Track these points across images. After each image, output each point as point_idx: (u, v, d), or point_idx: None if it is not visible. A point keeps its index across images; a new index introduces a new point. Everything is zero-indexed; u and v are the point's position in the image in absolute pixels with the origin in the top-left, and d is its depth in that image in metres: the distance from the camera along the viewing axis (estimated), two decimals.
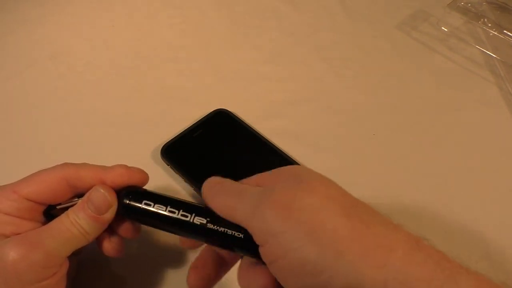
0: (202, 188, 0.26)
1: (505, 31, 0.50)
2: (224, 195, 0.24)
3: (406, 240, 0.20)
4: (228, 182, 0.25)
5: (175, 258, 0.35)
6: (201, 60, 0.51)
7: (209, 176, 0.38)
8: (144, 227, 0.28)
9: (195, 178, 0.38)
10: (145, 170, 0.40)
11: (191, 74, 0.49)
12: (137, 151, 0.41)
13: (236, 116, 0.43)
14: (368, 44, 0.53)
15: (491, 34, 0.52)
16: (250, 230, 0.22)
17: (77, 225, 0.25)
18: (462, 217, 0.37)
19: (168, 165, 0.39)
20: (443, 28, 0.54)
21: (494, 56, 0.51)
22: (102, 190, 0.25)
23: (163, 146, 0.40)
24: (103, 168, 0.27)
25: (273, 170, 0.25)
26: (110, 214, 0.26)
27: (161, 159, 0.40)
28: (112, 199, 0.26)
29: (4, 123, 0.44)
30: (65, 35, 0.53)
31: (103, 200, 0.25)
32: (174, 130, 0.42)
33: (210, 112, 0.44)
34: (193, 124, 0.42)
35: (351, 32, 0.55)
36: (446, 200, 0.38)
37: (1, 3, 0.56)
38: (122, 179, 0.26)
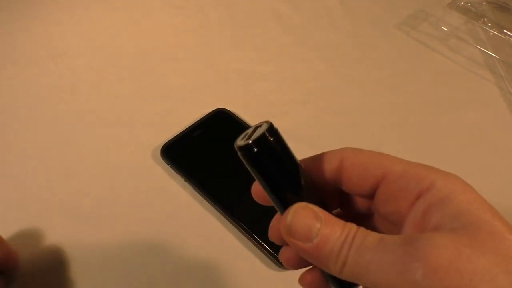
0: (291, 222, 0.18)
1: (505, 30, 0.50)
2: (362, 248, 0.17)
3: None
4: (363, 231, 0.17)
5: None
6: (201, 60, 0.51)
7: (209, 176, 0.38)
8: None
9: (195, 178, 0.38)
10: (145, 170, 0.40)
11: (191, 74, 0.49)
12: (137, 151, 0.41)
13: (236, 116, 0.43)
14: (368, 44, 0.53)
15: (491, 33, 0.52)
16: None
17: None
18: None
19: (168, 165, 0.39)
20: (443, 28, 0.54)
21: (494, 55, 0.51)
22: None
23: (163, 146, 0.40)
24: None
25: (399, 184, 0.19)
26: None
27: (161, 159, 0.40)
28: None
29: (4, 122, 0.44)
30: (65, 35, 0.53)
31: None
32: (174, 130, 0.42)
33: (210, 112, 0.44)
34: (193, 124, 0.42)
35: (351, 32, 0.55)
36: None
37: (1, 3, 0.56)
38: None
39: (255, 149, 0.18)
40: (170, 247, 0.35)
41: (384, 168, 0.19)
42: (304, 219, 0.18)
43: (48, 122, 0.44)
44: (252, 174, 0.19)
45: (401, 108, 0.46)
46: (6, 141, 0.42)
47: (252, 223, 0.35)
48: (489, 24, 0.52)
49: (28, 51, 0.51)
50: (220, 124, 0.43)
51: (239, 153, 0.19)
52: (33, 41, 0.52)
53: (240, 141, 0.19)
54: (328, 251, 0.17)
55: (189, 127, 0.42)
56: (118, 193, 0.38)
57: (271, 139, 0.19)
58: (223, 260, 0.35)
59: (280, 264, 0.34)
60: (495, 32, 0.50)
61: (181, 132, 0.42)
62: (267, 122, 0.19)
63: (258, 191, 0.22)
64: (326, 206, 0.19)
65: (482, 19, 0.52)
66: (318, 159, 0.21)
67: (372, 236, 0.17)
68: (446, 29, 0.54)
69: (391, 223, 0.20)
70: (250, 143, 0.18)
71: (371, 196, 0.20)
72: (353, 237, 0.17)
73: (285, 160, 0.19)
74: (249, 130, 0.19)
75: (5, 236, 0.33)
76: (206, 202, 0.38)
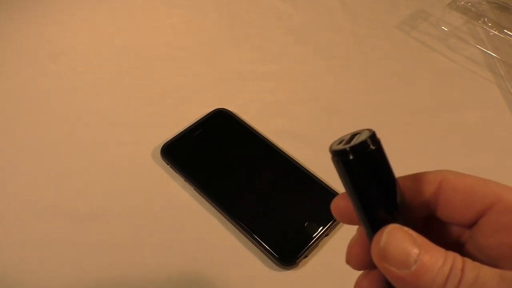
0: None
1: (505, 30, 0.50)
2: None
3: None
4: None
5: None
6: (201, 59, 0.51)
7: (209, 176, 0.38)
8: None
9: (195, 178, 0.38)
10: (145, 170, 0.40)
11: (191, 73, 0.49)
12: (137, 151, 0.41)
13: (236, 116, 0.43)
14: (368, 44, 0.53)
15: (491, 33, 0.52)
16: None
17: None
18: None
19: (168, 165, 0.39)
20: (443, 27, 0.54)
21: (494, 55, 0.51)
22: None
23: (163, 146, 0.40)
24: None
25: None
26: None
27: (161, 159, 0.40)
28: None
29: (4, 122, 0.44)
30: (65, 35, 0.53)
31: None
32: (174, 129, 0.42)
33: (210, 112, 0.44)
34: (193, 124, 0.42)
35: (351, 32, 0.55)
36: None
37: (1, 3, 0.56)
38: None
39: (351, 157, 0.16)
40: (170, 247, 0.35)
41: (493, 195, 0.17)
42: (400, 242, 0.16)
43: (48, 122, 0.44)
44: (343, 183, 0.17)
45: (401, 108, 0.46)
46: (6, 141, 0.42)
47: (252, 223, 0.35)
48: (489, 24, 0.51)
49: (28, 51, 0.51)
50: (220, 124, 0.43)
51: (332, 159, 0.17)
52: (33, 41, 0.52)
53: (336, 146, 0.17)
54: (429, 281, 0.15)
55: (189, 127, 0.42)
56: (118, 193, 0.38)
57: (373, 147, 0.17)
58: (223, 260, 0.35)
59: (280, 264, 0.34)
60: (495, 32, 0.50)
61: (181, 132, 0.42)
62: (369, 130, 0.17)
63: (340, 207, 0.20)
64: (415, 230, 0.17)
65: (482, 19, 0.52)
66: (414, 178, 0.19)
67: (488, 272, 0.15)
68: (446, 29, 0.54)
69: (486, 256, 0.18)
70: (347, 149, 0.16)
71: (470, 225, 0.18)
72: (462, 270, 0.15)
73: (383, 174, 0.17)
74: (346, 136, 0.18)
75: (5, 235, 0.33)
76: (206, 202, 0.37)
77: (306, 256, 0.34)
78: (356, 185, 0.17)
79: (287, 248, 0.34)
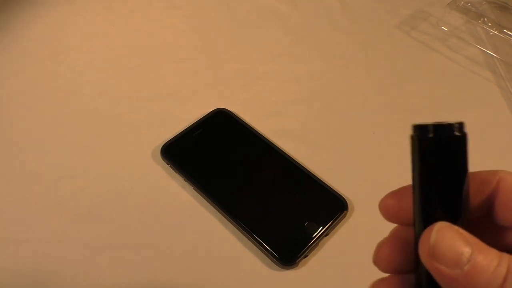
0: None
1: (505, 30, 0.50)
2: None
3: None
4: None
5: None
6: (201, 60, 0.51)
7: (209, 176, 0.38)
8: None
9: (195, 178, 0.38)
10: (145, 170, 0.40)
11: (191, 73, 0.49)
12: (137, 151, 0.41)
13: (236, 116, 0.43)
14: (368, 44, 0.53)
15: (491, 33, 0.52)
16: None
17: None
18: None
19: (168, 165, 0.39)
20: (443, 27, 0.54)
21: (494, 55, 0.51)
22: None
23: (163, 146, 0.40)
24: None
25: None
26: None
27: (161, 159, 0.40)
28: None
29: (4, 122, 0.44)
30: (65, 35, 0.53)
31: None
32: (174, 129, 0.42)
33: (210, 112, 0.44)
34: (193, 124, 0.42)
35: (351, 32, 0.55)
36: None
37: (1, 3, 0.56)
38: None
39: (431, 135, 0.15)
40: (170, 246, 0.35)
41: None
42: (451, 240, 0.15)
43: (48, 122, 0.44)
44: (413, 164, 0.16)
45: (401, 108, 0.46)
46: (6, 141, 0.42)
47: (252, 223, 0.35)
48: (489, 24, 0.51)
49: (28, 51, 0.51)
50: (220, 124, 0.43)
51: (412, 134, 0.16)
52: (34, 41, 0.52)
53: (419, 123, 0.16)
54: (484, 282, 0.14)
55: (189, 127, 0.42)
56: (118, 193, 0.38)
57: (457, 134, 0.16)
58: (223, 260, 0.35)
59: (280, 264, 0.34)
60: (495, 32, 0.50)
61: (181, 132, 0.42)
62: (459, 122, 0.16)
63: (388, 206, 0.19)
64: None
65: (482, 19, 0.52)
66: (471, 177, 0.18)
67: None
68: (446, 29, 0.54)
69: None
70: (430, 126, 0.15)
71: None
72: None
73: (458, 165, 0.16)
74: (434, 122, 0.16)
75: (5, 235, 0.33)
76: (206, 202, 0.38)
77: (306, 256, 0.34)
78: (426, 167, 0.16)
79: (287, 248, 0.34)
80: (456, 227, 0.15)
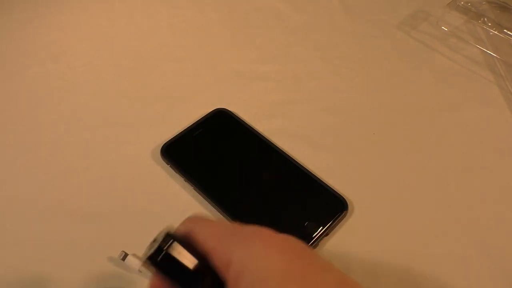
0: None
1: (505, 30, 0.50)
2: None
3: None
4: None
5: None
6: (201, 59, 0.51)
7: (209, 176, 0.38)
8: None
9: (195, 178, 0.38)
10: (145, 169, 0.40)
11: (191, 73, 0.49)
12: (137, 151, 0.41)
13: (236, 116, 0.43)
14: (368, 44, 0.53)
15: (491, 33, 0.52)
16: None
17: None
18: (462, 216, 0.37)
19: (168, 165, 0.39)
20: (443, 27, 0.54)
21: (494, 55, 0.51)
22: None
23: (163, 146, 0.40)
24: None
25: None
26: None
27: (161, 159, 0.40)
28: None
29: (4, 122, 0.44)
30: (65, 35, 0.53)
31: None
32: (174, 129, 0.42)
33: (210, 112, 0.44)
34: (193, 124, 0.42)
35: (351, 32, 0.55)
36: (446, 199, 0.38)
37: (1, 3, 0.56)
38: None
39: (152, 263, 0.20)
40: None
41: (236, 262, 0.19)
42: None
43: (48, 122, 0.44)
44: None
45: (401, 108, 0.46)
46: (5, 141, 0.42)
47: (252, 222, 0.35)
48: (489, 24, 0.51)
49: (28, 51, 0.51)
50: (220, 124, 0.43)
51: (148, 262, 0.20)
52: (34, 41, 0.52)
53: (147, 249, 0.20)
54: None
55: (189, 127, 0.42)
56: (118, 193, 0.38)
57: (159, 258, 0.19)
58: None
59: None
60: (495, 32, 0.50)
61: (181, 132, 0.42)
62: (164, 234, 0.21)
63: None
64: None
65: (482, 19, 0.52)
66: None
67: None
68: (446, 29, 0.54)
69: None
70: (146, 260, 0.20)
71: None
72: None
73: (183, 271, 0.19)
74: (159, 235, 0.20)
75: (5, 235, 0.33)
76: (206, 202, 0.38)
77: None
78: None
79: None
80: None
